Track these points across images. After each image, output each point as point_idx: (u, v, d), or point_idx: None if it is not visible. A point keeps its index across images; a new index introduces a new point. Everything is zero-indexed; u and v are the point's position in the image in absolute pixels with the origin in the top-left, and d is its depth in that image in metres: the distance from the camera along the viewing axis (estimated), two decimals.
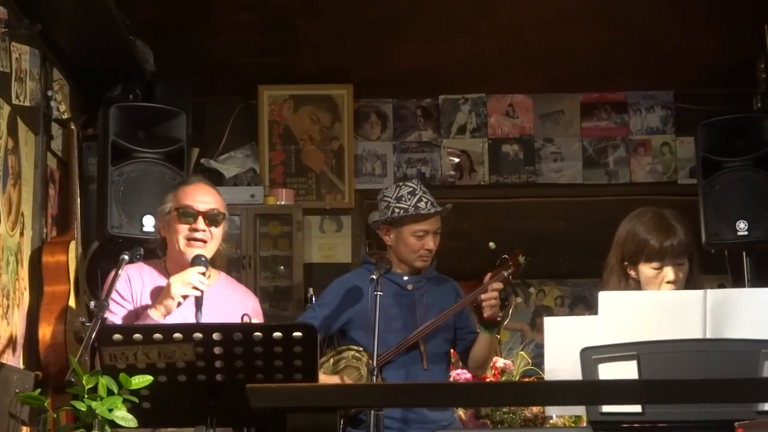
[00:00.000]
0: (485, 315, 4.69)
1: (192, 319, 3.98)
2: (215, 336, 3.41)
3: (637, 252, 3.88)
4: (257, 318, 4.27)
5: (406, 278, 4.89)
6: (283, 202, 6.69)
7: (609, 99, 7.12)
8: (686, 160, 6.93)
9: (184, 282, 3.99)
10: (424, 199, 4.84)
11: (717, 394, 2.57)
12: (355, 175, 7.00)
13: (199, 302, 4.01)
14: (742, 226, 5.69)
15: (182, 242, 4.15)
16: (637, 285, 3.91)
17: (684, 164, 6.98)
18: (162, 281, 4.12)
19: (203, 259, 4.08)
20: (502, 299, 4.70)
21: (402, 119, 7.13)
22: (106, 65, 5.86)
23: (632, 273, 3.91)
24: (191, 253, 4.12)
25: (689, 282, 3.89)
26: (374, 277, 4.55)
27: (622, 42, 6.31)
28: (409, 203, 4.84)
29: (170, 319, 3.99)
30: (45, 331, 5.13)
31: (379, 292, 4.50)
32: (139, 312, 4.06)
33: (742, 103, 6.34)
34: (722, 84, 6.68)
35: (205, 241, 4.15)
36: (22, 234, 5.15)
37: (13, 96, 5.04)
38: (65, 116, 5.54)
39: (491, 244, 4.73)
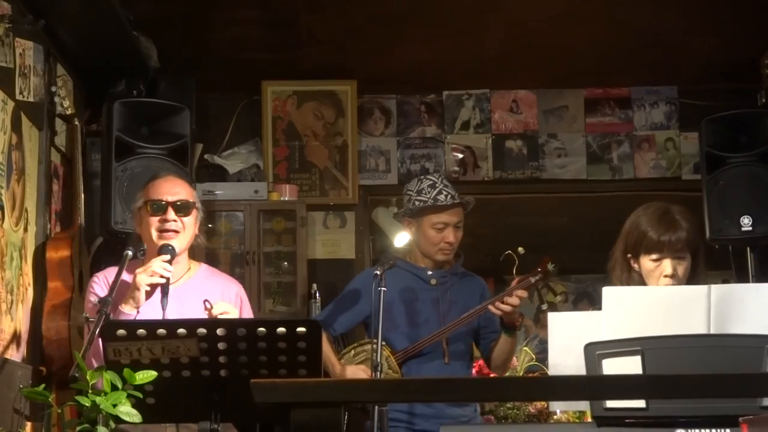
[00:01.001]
0: (504, 319, 4.71)
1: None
2: (219, 331, 3.41)
3: (637, 243, 3.90)
4: (240, 305, 4.28)
5: (430, 273, 4.91)
6: (286, 198, 6.68)
7: (613, 95, 7.11)
8: (690, 155, 6.93)
9: (149, 272, 4.01)
10: (444, 192, 4.87)
11: (721, 390, 2.56)
12: (359, 171, 7.00)
13: (164, 289, 4.02)
14: (746, 222, 5.69)
15: (154, 234, 4.18)
16: (640, 277, 3.92)
17: (688, 160, 6.98)
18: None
19: (170, 247, 4.11)
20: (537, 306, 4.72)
21: (406, 115, 7.13)
22: (109, 61, 5.86)
23: (635, 265, 3.92)
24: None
25: (694, 279, 3.89)
26: (378, 272, 4.56)
27: (626, 38, 6.30)
28: (428, 196, 4.88)
29: (145, 311, 4.00)
30: (49, 327, 5.14)
31: (382, 288, 4.51)
32: (113, 310, 4.07)
33: (747, 98, 6.34)
34: (726, 80, 6.67)
35: (177, 231, 4.18)
36: (26, 229, 5.15)
37: (17, 91, 5.04)
38: (69, 112, 5.54)
39: (520, 249, 4.72)
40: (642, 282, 3.90)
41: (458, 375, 4.78)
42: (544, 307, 4.84)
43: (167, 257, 4.07)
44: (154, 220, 4.18)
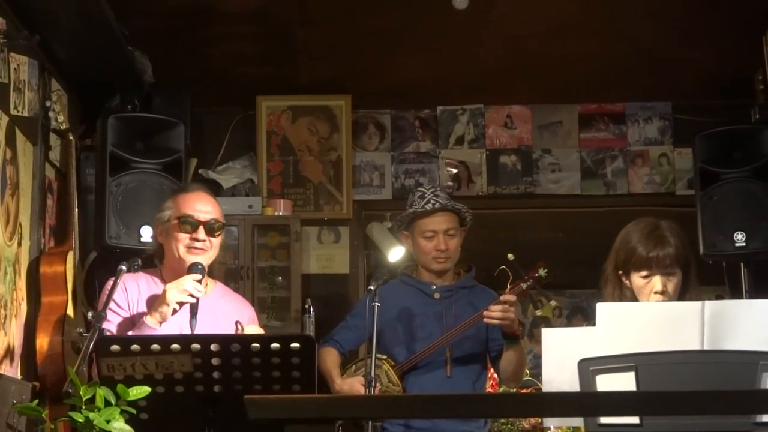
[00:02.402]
0: (504, 329, 4.68)
1: (187, 327, 3.98)
2: (213, 347, 3.42)
3: (627, 260, 3.90)
4: (253, 326, 4.28)
5: (434, 287, 4.90)
6: (281, 213, 6.68)
7: (607, 110, 7.12)
8: (684, 171, 6.93)
9: (180, 289, 3.97)
10: (433, 200, 4.87)
11: (715, 406, 2.56)
12: (354, 186, 7.00)
13: (194, 309, 3.99)
14: (740, 238, 5.69)
15: (182, 250, 4.14)
16: (632, 294, 3.92)
17: (682, 175, 6.99)
18: (158, 289, 4.11)
19: (200, 266, 4.07)
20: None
21: (400, 130, 7.13)
22: (104, 76, 5.86)
23: (626, 282, 3.93)
24: (190, 260, 4.11)
25: (685, 294, 3.89)
26: (372, 288, 4.56)
27: (620, 53, 6.32)
28: (418, 206, 4.88)
29: (165, 327, 3.98)
30: (42, 342, 5.12)
31: (376, 303, 4.50)
32: (135, 320, 4.05)
33: (741, 114, 6.35)
34: (720, 95, 6.69)
35: (204, 250, 4.15)
36: (20, 244, 5.15)
37: (12, 106, 5.04)
38: (63, 127, 5.54)
39: (510, 256, 4.71)
40: (634, 298, 3.90)
41: (460, 388, 4.75)
42: (539, 312, 4.84)
43: (198, 276, 4.02)
44: (184, 237, 4.14)
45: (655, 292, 3.86)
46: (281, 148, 6.99)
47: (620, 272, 3.94)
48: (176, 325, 4.00)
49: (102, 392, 3.33)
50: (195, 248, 4.13)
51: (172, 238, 4.18)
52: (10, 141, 5.00)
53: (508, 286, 4.67)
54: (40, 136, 5.47)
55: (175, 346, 3.41)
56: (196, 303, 4.00)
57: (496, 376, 5.26)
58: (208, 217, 4.17)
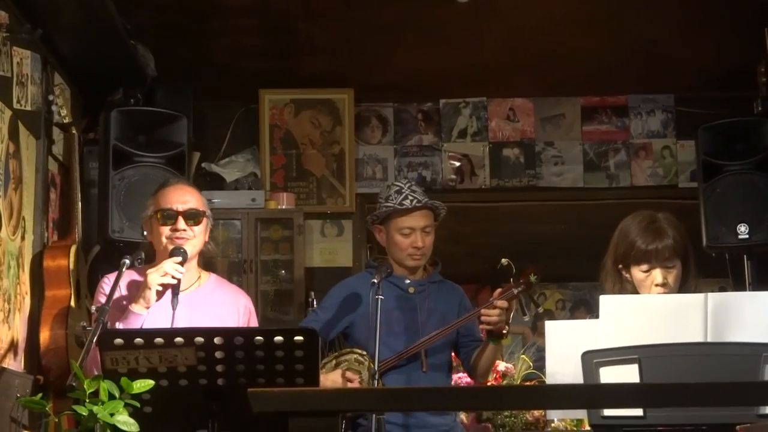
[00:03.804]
0: (493, 330, 4.68)
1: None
2: (217, 340, 3.42)
3: (626, 254, 3.91)
4: (249, 317, 4.32)
5: (408, 281, 4.88)
6: (284, 206, 6.69)
7: (610, 103, 7.12)
8: (687, 163, 6.93)
9: (161, 272, 4.05)
10: (410, 197, 4.84)
11: (718, 398, 2.57)
12: (356, 179, 7.00)
13: (175, 290, 4.07)
14: (743, 230, 5.69)
15: (165, 242, 4.21)
16: (633, 287, 3.92)
17: (685, 168, 6.99)
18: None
19: (182, 250, 4.14)
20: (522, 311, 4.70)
21: (403, 123, 7.13)
22: (107, 70, 5.87)
23: (626, 275, 3.93)
24: None
25: (684, 285, 3.90)
26: (375, 281, 4.55)
27: (622, 46, 6.31)
28: (395, 201, 4.85)
29: (154, 311, 4.04)
30: (46, 336, 5.13)
31: (380, 296, 4.50)
32: (124, 310, 4.10)
33: (743, 106, 6.34)
34: (723, 88, 6.68)
35: (186, 239, 4.20)
36: (23, 238, 5.15)
37: (15, 100, 5.04)
38: (66, 120, 5.54)
39: (504, 261, 4.71)
40: (635, 292, 3.91)
41: (435, 383, 4.74)
42: (526, 318, 4.83)
43: (179, 259, 4.10)
44: (165, 229, 4.20)
45: (656, 285, 3.86)
46: (284, 141, 6.99)
47: (620, 266, 3.94)
48: (162, 311, 4.05)
49: (106, 385, 3.33)
50: (177, 238, 4.19)
51: (155, 233, 4.25)
52: (13, 135, 5.01)
53: (498, 290, 4.65)
54: (43, 130, 5.48)
55: (178, 339, 3.41)
56: (177, 284, 4.07)
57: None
58: (187, 207, 4.22)
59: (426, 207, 4.85)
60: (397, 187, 4.90)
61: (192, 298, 4.19)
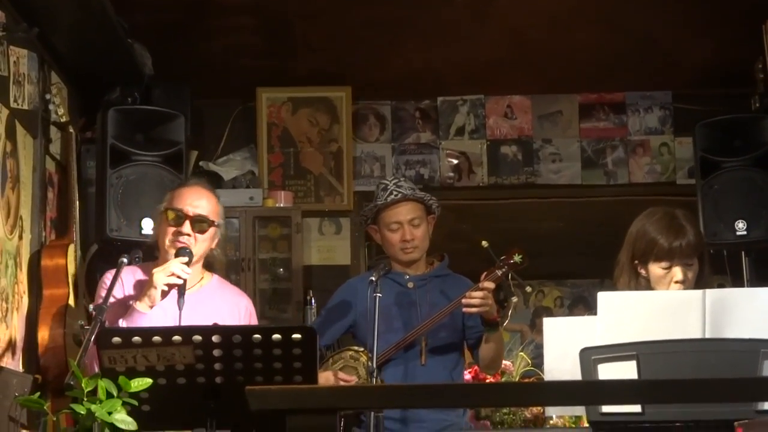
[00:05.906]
0: (475, 313, 4.67)
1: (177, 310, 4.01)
2: (215, 338, 3.41)
3: (646, 251, 3.89)
4: (249, 318, 4.30)
5: (407, 277, 4.89)
6: (281, 205, 6.69)
7: (607, 100, 7.12)
8: (685, 160, 6.93)
9: (167, 272, 4.01)
10: (394, 192, 4.84)
11: (716, 394, 2.57)
12: (354, 177, 7.00)
13: (181, 290, 4.02)
14: (741, 226, 5.69)
15: (167, 243, 4.16)
16: (648, 284, 3.92)
17: (682, 164, 6.99)
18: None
19: (187, 250, 4.09)
20: (500, 300, 4.68)
21: (400, 121, 7.13)
22: (104, 68, 5.86)
23: (642, 272, 3.92)
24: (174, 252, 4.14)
25: (699, 282, 3.90)
26: (373, 278, 4.55)
27: (620, 43, 6.31)
28: (381, 198, 4.86)
29: (156, 311, 4.01)
30: (44, 335, 5.13)
31: (378, 294, 4.50)
32: (127, 308, 4.08)
33: (741, 103, 6.35)
34: (720, 84, 6.68)
35: (187, 246, 4.13)
36: (20, 237, 5.15)
37: (12, 99, 5.04)
38: (63, 119, 5.54)
39: (484, 243, 4.70)
40: (649, 288, 3.90)
41: (435, 377, 4.73)
42: (515, 299, 4.82)
43: (185, 259, 4.05)
44: (170, 230, 4.15)
45: (676, 282, 3.86)
46: (282, 139, 6.99)
47: (636, 262, 3.93)
48: (164, 310, 4.03)
49: (104, 384, 3.33)
50: (178, 242, 4.13)
51: (161, 230, 4.21)
52: (10, 134, 5.00)
53: (483, 274, 4.66)
54: (40, 129, 5.47)
55: (176, 337, 3.41)
56: (183, 284, 4.02)
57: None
58: (196, 212, 4.16)
59: (408, 199, 4.85)
60: (383, 185, 4.92)
61: (193, 298, 4.15)
